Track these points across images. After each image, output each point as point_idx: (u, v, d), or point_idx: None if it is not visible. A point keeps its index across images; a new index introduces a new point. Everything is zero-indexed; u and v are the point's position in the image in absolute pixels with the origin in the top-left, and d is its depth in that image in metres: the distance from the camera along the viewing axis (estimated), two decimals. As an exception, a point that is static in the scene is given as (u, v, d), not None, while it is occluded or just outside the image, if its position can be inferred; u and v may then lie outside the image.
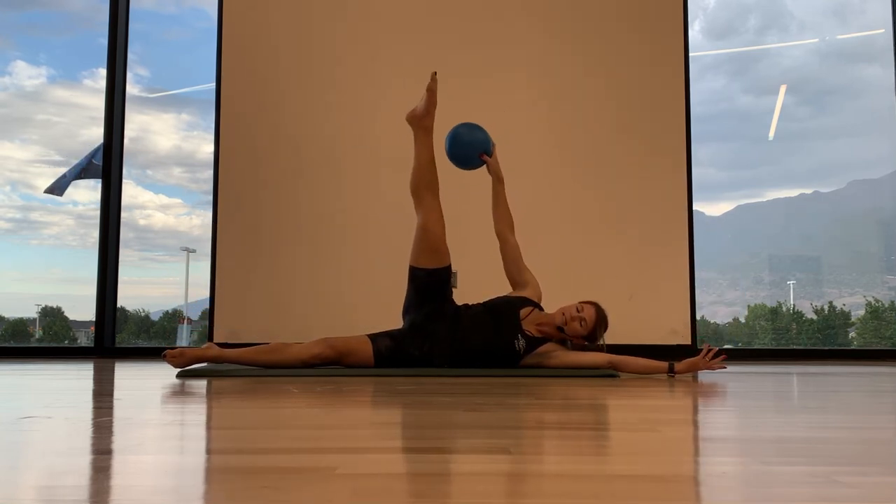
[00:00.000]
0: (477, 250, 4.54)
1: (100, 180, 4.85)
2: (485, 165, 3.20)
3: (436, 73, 3.03)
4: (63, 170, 5.24)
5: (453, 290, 3.14)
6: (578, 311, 2.95)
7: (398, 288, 3.14)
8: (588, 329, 2.95)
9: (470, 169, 3.21)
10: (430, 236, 3.01)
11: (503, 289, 3.22)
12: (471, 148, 3.13)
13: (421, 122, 3.08)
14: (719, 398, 2.12)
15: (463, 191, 4.63)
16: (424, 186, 3.05)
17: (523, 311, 3.01)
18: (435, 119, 3.12)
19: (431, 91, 3.04)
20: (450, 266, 3.07)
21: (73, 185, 5.21)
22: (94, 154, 4.94)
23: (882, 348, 5.95)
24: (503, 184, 3.24)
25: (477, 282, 4.36)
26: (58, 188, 5.13)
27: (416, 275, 3.04)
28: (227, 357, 2.91)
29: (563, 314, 2.96)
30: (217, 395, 2.08)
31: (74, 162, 5.18)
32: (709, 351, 2.85)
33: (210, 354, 2.94)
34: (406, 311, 3.06)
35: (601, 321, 2.98)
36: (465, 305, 3.09)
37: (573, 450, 1.15)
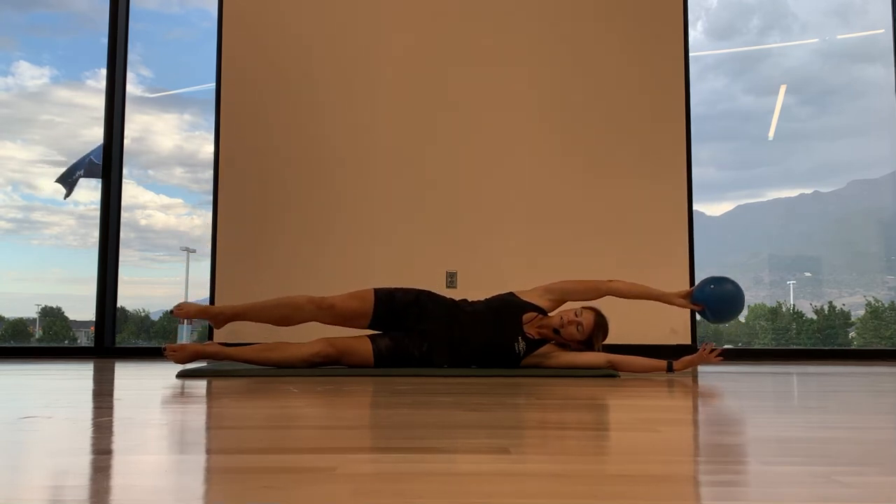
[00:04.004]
0: (477, 250, 4.55)
1: (100, 180, 4.85)
2: (695, 303, 3.01)
3: (171, 310, 2.92)
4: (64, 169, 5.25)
5: (453, 290, 3.14)
6: (577, 316, 2.94)
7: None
8: (584, 335, 2.94)
9: (702, 304, 3.01)
10: (335, 320, 3.00)
11: (503, 288, 3.21)
12: (724, 307, 3.00)
13: (221, 321, 2.99)
14: (719, 398, 2.12)
15: (463, 191, 4.64)
16: (284, 320, 3.01)
17: (527, 316, 3.00)
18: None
19: (190, 316, 2.97)
20: (375, 297, 3.00)
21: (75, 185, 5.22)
22: (94, 152, 4.95)
23: (882, 348, 5.95)
24: (660, 301, 3.10)
25: (477, 282, 4.37)
26: (67, 183, 5.14)
27: (375, 328, 3.04)
28: (227, 354, 2.91)
29: (562, 317, 2.96)
30: (217, 395, 2.08)
31: (77, 160, 5.20)
32: (710, 350, 2.85)
33: (210, 350, 2.94)
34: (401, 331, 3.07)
35: (599, 327, 2.97)
36: (465, 301, 3.08)
37: (573, 450, 1.15)
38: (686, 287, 4.56)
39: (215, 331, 4.53)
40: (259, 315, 3.01)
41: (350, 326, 3.05)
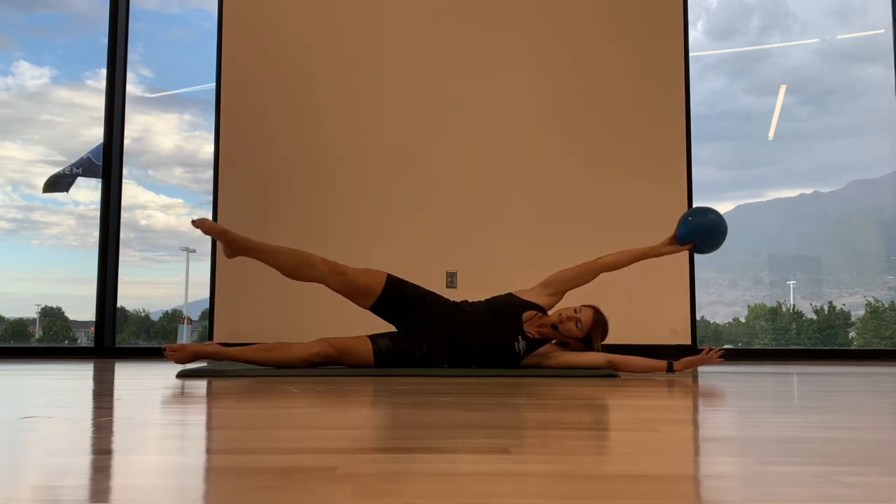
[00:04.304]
0: (477, 250, 4.55)
1: (100, 180, 4.85)
2: (682, 244, 3.03)
3: (193, 221, 2.95)
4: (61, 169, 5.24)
5: (453, 290, 3.14)
6: (576, 313, 2.95)
7: (398, 288, 3.13)
8: (583, 331, 2.94)
9: (683, 237, 3.02)
10: (344, 288, 3.01)
11: (503, 287, 3.21)
12: (708, 235, 2.99)
13: (234, 249, 3.01)
14: (719, 398, 2.12)
15: (462, 191, 4.64)
16: (296, 269, 3.01)
17: (526, 315, 3.00)
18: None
19: (209, 231, 3.01)
20: (387, 279, 3.02)
21: (74, 185, 5.21)
22: (92, 152, 4.95)
23: (882, 348, 5.95)
24: (654, 257, 3.11)
25: (477, 282, 4.37)
26: (59, 184, 5.13)
27: (375, 311, 3.05)
28: (227, 354, 2.91)
29: (560, 314, 2.96)
30: (217, 395, 2.08)
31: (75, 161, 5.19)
32: (709, 350, 2.86)
33: (210, 350, 2.94)
34: (398, 328, 3.07)
35: (598, 325, 2.97)
36: (465, 302, 3.09)
37: (573, 450, 1.15)
38: (686, 287, 4.57)
39: (215, 331, 4.54)
40: (271, 257, 3.00)
41: (353, 300, 3.03)
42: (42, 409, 1.69)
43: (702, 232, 2.99)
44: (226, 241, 2.99)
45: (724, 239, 3.02)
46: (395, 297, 3.01)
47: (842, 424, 1.51)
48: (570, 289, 3.11)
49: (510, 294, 3.11)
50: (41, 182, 5.58)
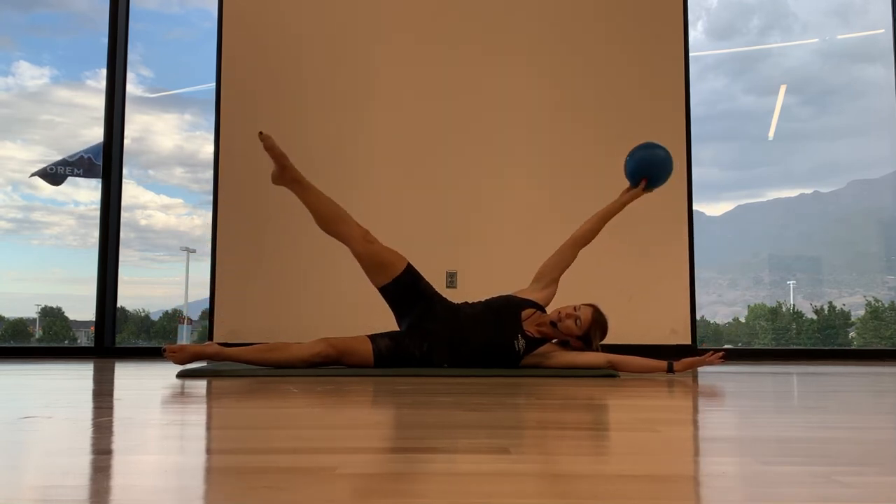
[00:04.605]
0: (477, 251, 4.55)
1: (100, 180, 4.85)
2: (635, 188, 3.09)
3: (261, 132, 2.95)
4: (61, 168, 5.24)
5: (453, 290, 3.14)
6: (575, 311, 2.95)
7: (398, 288, 3.13)
8: (582, 329, 2.94)
9: (630, 178, 3.10)
10: (367, 258, 3.01)
11: (503, 289, 3.22)
12: (652, 170, 3.05)
13: (284, 178, 3.02)
14: (719, 398, 2.12)
15: (462, 192, 4.64)
16: (331, 222, 3.03)
17: (525, 313, 3.00)
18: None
19: (269, 149, 2.98)
20: (408, 266, 3.04)
21: (74, 185, 5.21)
22: (88, 151, 4.95)
23: (882, 348, 5.95)
24: (620, 211, 3.17)
25: (477, 282, 4.37)
26: (50, 177, 5.12)
27: (384, 293, 3.05)
28: (226, 355, 2.91)
29: (559, 311, 2.96)
30: (217, 395, 2.08)
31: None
32: (712, 354, 2.87)
33: (210, 351, 2.94)
34: (400, 322, 3.07)
35: (597, 324, 2.97)
36: (465, 303, 3.09)
37: (573, 450, 1.15)
38: (686, 287, 4.57)
39: (215, 331, 4.54)
40: (314, 200, 3.02)
41: (370, 273, 3.02)
42: (42, 409, 1.69)
43: (645, 162, 3.05)
44: (280, 166, 3.00)
45: (670, 160, 3.08)
46: (408, 285, 3.01)
47: (842, 424, 1.51)
48: (559, 273, 3.14)
49: (509, 295, 3.12)
50: (42, 182, 5.58)
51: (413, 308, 3.01)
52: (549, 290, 3.12)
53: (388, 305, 3.09)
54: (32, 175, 5.21)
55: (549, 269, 3.15)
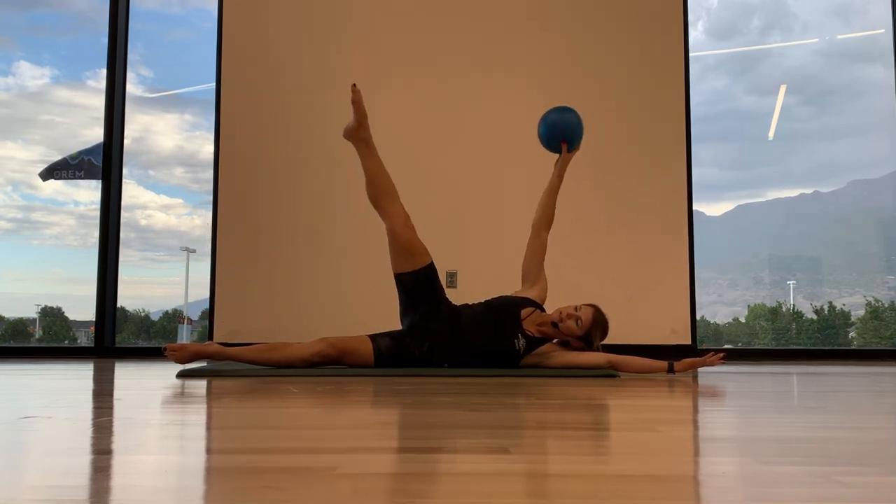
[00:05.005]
0: (477, 251, 4.55)
1: (100, 180, 4.85)
2: (558, 156, 3.16)
3: (354, 84, 2.97)
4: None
5: (453, 290, 3.14)
6: (576, 311, 2.95)
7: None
8: (583, 329, 2.95)
9: (546, 148, 3.19)
10: (402, 240, 3.01)
11: (503, 289, 3.22)
12: (566, 131, 3.12)
13: (357, 134, 3.04)
14: (719, 398, 2.12)
15: (462, 192, 4.64)
16: (382, 194, 3.04)
17: (524, 312, 3.01)
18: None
19: (356, 103, 2.99)
20: (431, 264, 3.06)
21: (74, 185, 5.21)
22: (88, 151, 4.95)
23: (882, 348, 5.95)
24: (561, 182, 3.21)
25: (477, 282, 4.36)
26: (54, 172, 5.12)
27: (401, 281, 3.05)
28: (227, 354, 2.91)
29: (560, 312, 2.97)
30: (217, 395, 2.08)
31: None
32: (712, 354, 2.88)
33: (210, 350, 2.94)
34: (403, 316, 3.07)
35: (598, 324, 2.98)
36: (465, 305, 3.09)
37: (573, 450, 1.15)
38: (686, 287, 4.57)
39: (215, 331, 4.54)
40: (374, 168, 3.05)
41: (396, 256, 3.03)
42: (42, 409, 1.69)
43: (555, 124, 3.13)
44: (358, 122, 3.01)
45: (577, 116, 3.18)
46: (425, 281, 3.02)
47: (842, 424, 1.51)
48: (539, 264, 3.17)
49: (507, 295, 3.13)
50: (42, 182, 5.58)
51: (420, 305, 3.01)
52: (539, 285, 3.14)
53: (392, 299, 3.10)
54: (47, 179, 5.21)
55: (528, 265, 3.19)
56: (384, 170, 3.06)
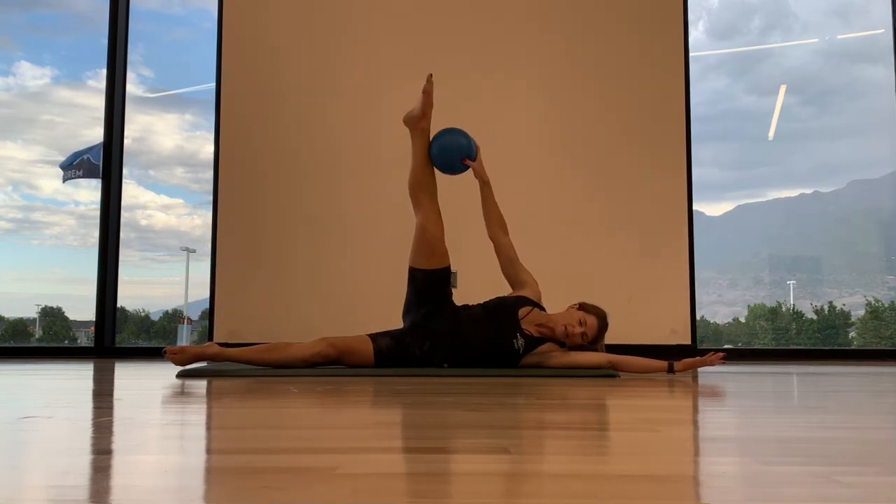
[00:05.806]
0: (477, 251, 4.54)
1: (100, 180, 4.85)
2: (470, 170, 3.16)
3: (431, 75, 3.02)
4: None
5: (453, 290, 3.15)
6: (581, 325, 2.93)
7: (399, 288, 3.14)
8: (590, 339, 2.97)
9: (455, 174, 3.19)
10: (428, 237, 3.01)
11: (503, 289, 3.21)
12: (453, 153, 3.11)
13: (417, 123, 3.08)
14: (719, 398, 2.12)
15: (461, 192, 4.63)
16: (422, 188, 3.05)
17: (522, 311, 3.01)
18: (432, 121, 3.12)
19: (427, 93, 3.03)
20: (449, 267, 3.07)
21: (74, 185, 5.21)
22: (89, 150, 4.95)
23: (882, 348, 5.95)
24: (490, 186, 3.24)
25: (477, 282, 4.36)
26: (74, 168, 5.13)
27: (415, 276, 3.04)
28: (227, 355, 2.91)
29: (565, 327, 2.94)
30: (217, 395, 2.08)
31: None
32: (713, 354, 2.88)
33: (211, 352, 2.94)
34: (406, 312, 3.07)
35: (603, 330, 2.99)
36: (465, 306, 3.09)
37: (573, 450, 1.15)
38: (686, 287, 4.56)
39: (215, 331, 4.54)
40: (421, 159, 3.06)
41: (418, 251, 3.03)
42: (42, 409, 1.69)
43: (443, 151, 3.10)
44: (423, 112, 3.05)
45: (448, 132, 3.13)
46: (438, 281, 3.03)
47: (842, 424, 1.51)
48: (516, 267, 3.17)
49: (504, 296, 3.13)
50: (42, 182, 5.58)
51: (425, 304, 3.01)
52: (529, 285, 3.14)
53: (392, 299, 3.10)
54: (66, 180, 5.21)
55: (507, 272, 3.19)
56: (430, 165, 3.09)
